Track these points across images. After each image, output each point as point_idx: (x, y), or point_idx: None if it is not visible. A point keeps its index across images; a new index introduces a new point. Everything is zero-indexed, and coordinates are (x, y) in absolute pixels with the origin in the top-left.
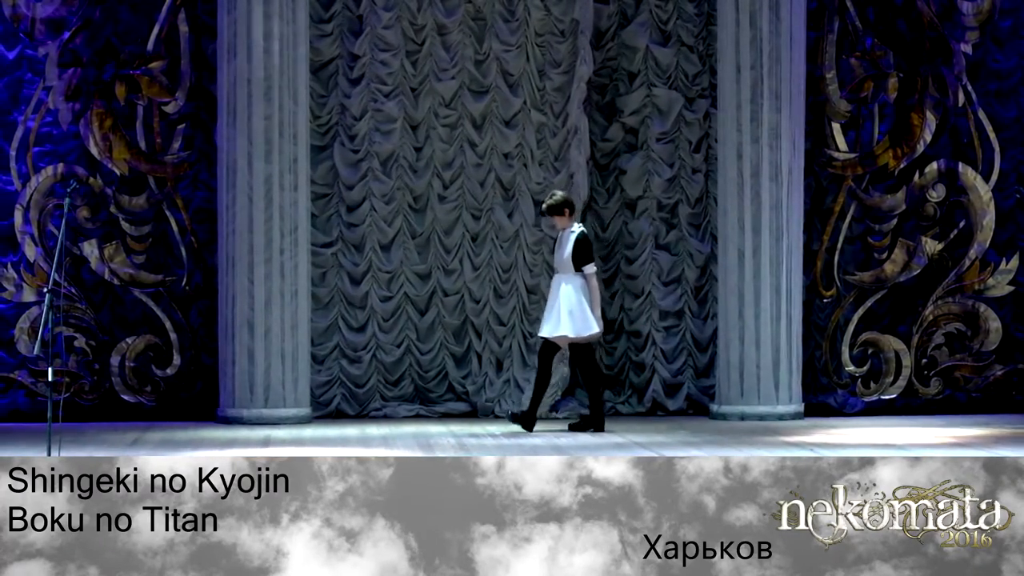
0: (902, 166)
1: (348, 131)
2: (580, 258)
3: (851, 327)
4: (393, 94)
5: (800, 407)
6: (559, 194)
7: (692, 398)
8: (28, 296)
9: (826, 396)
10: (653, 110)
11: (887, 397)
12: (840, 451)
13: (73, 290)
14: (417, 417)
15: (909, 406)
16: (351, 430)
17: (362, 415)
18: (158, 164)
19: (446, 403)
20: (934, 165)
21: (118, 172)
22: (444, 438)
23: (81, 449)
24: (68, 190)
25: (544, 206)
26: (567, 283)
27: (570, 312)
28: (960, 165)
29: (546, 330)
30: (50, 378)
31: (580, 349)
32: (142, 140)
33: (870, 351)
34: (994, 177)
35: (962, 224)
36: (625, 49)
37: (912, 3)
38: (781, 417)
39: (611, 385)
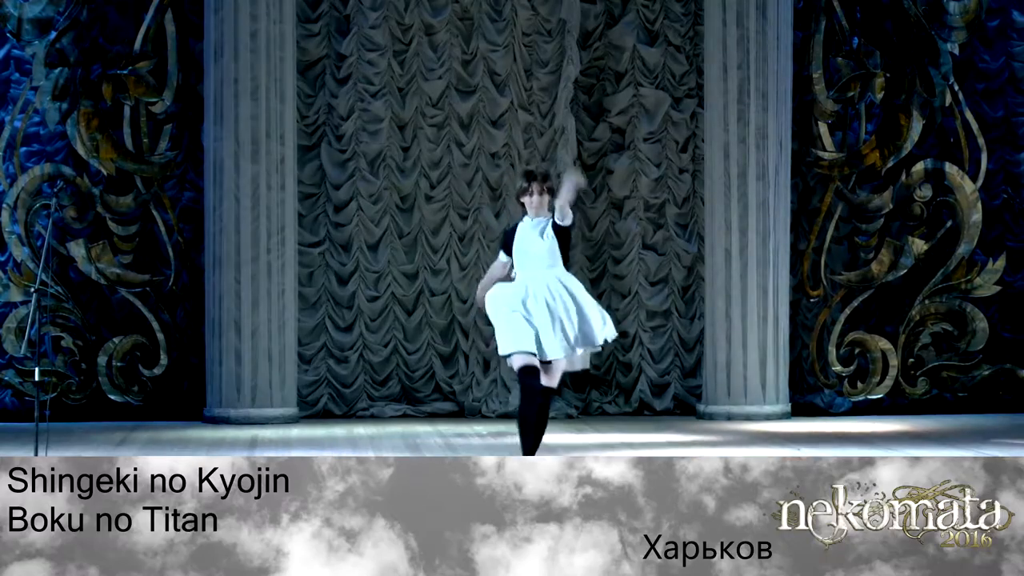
0: (889, 166)
1: (335, 131)
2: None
3: (838, 327)
4: (380, 94)
5: (787, 407)
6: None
7: (679, 398)
8: (15, 296)
9: (813, 396)
10: (640, 110)
11: (874, 397)
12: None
13: (60, 290)
14: (404, 417)
15: (896, 406)
16: (338, 430)
17: (349, 415)
18: (145, 164)
19: (433, 403)
20: (921, 165)
21: (105, 172)
22: (431, 438)
23: (69, 449)
24: (55, 190)
25: (543, 175)
26: (562, 276)
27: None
28: (947, 165)
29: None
30: (37, 378)
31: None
32: (129, 140)
33: (857, 351)
34: (981, 177)
35: (949, 224)
36: (612, 49)
37: (899, 3)
38: (768, 417)
39: None
